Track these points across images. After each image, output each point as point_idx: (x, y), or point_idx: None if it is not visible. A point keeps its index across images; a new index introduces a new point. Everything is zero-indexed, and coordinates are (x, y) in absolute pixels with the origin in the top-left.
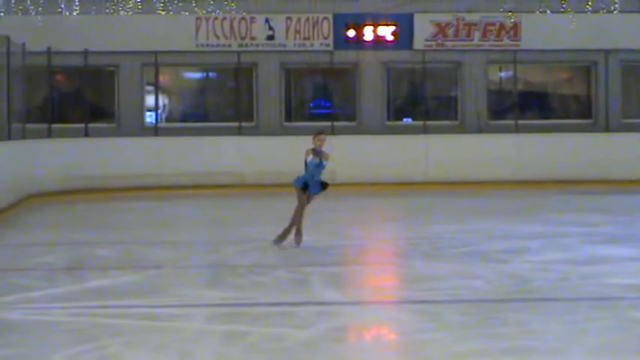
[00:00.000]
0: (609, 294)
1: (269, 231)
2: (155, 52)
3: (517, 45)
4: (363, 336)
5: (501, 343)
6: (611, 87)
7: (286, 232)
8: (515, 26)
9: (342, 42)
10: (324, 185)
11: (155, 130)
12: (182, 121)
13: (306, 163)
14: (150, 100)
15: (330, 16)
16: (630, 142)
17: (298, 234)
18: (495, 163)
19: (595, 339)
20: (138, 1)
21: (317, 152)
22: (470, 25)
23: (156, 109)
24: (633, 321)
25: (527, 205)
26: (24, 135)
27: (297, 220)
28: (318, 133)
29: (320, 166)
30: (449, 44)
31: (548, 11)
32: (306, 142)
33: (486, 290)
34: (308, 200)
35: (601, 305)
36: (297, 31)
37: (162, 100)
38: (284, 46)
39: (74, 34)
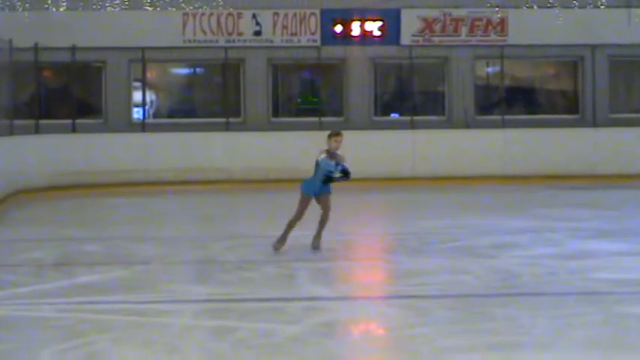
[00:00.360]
0: (597, 289)
1: (257, 227)
2: (142, 48)
3: (504, 40)
4: (351, 331)
5: (489, 338)
6: (598, 82)
7: (284, 239)
8: (502, 21)
9: (329, 37)
10: (346, 173)
11: (142, 126)
12: (169, 117)
13: (317, 164)
14: (137, 96)
15: (318, 12)
16: (617, 137)
17: (282, 241)
18: (482, 158)
19: (582, 334)
20: None
21: (332, 154)
22: (457, 21)
23: (143, 105)
24: (620, 316)
25: (514, 200)
26: (11, 131)
27: (291, 226)
28: (335, 134)
29: (336, 169)
30: (436, 40)
31: (535, 6)
32: (294, 138)
33: (474, 285)
34: (321, 203)
35: (588, 300)
36: (284, 27)
37: (150, 96)
38: (271, 41)
39: (61, 30)
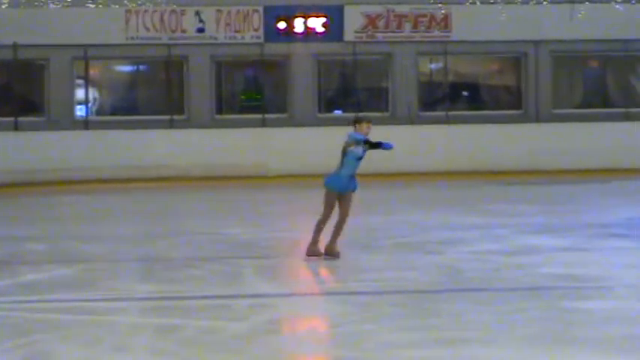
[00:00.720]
0: (541, 284)
1: (202, 224)
2: (85, 46)
3: (448, 36)
4: (297, 328)
5: (435, 334)
6: (541, 78)
7: (316, 242)
8: (446, 18)
9: (272, 34)
10: (376, 144)
11: (85, 124)
12: (113, 114)
13: (344, 154)
14: (80, 93)
15: (261, 9)
16: (560, 132)
17: (315, 244)
18: (426, 154)
19: (527, 329)
20: None
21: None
22: (400, 17)
23: (86, 102)
24: (565, 310)
25: (460, 196)
26: None
27: (320, 228)
28: (367, 120)
29: (362, 157)
30: (379, 36)
31: (479, 2)
32: (238, 135)
33: (420, 281)
34: (343, 202)
35: (533, 295)
36: (227, 24)
37: (93, 93)
38: (215, 38)
39: (3, 27)
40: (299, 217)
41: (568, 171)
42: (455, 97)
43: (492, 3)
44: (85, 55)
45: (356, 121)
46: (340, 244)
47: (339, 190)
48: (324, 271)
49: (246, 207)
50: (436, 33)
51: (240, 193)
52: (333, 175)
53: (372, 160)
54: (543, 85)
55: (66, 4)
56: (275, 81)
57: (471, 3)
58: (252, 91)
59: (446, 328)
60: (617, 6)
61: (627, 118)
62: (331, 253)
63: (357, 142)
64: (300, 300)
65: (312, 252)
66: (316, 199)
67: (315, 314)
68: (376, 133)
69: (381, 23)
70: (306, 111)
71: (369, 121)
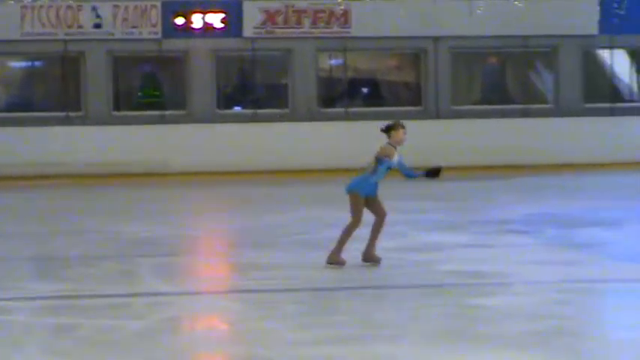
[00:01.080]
0: (443, 281)
1: (100, 222)
2: None
3: (347, 32)
4: (196, 326)
5: (336, 332)
6: (440, 74)
7: (341, 249)
8: (346, 13)
9: (170, 30)
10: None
11: None
12: (8, 111)
13: (379, 161)
14: None
15: (159, 4)
16: (460, 128)
17: (340, 252)
18: (326, 151)
19: (428, 326)
20: None
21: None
22: (299, 13)
23: None
24: (466, 307)
25: None
26: None
27: (349, 234)
28: (402, 126)
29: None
30: (278, 32)
31: None
32: (136, 132)
33: (321, 279)
34: (374, 205)
35: (434, 292)
36: (124, 19)
37: None
38: (112, 34)
39: None
40: (198, 215)
41: (467, 167)
42: (355, 93)
43: None
44: None
45: (391, 129)
46: (238, 243)
47: (367, 195)
48: (223, 269)
49: (146, 205)
50: (336, 29)
51: (140, 191)
52: (360, 181)
53: (273, 156)
54: (443, 82)
55: None
56: (173, 77)
57: None
58: (150, 88)
59: (348, 326)
60: (515, 2)
61: (526, 114)
62: (373, 259)
63: (380, 168)
64: (199, 298)
65: (337, 260)
66: (214, 196)
67: (215, 312)
68: (275, 130)
69: (279, 19)
70: (206, 107)
71: (403, 125)
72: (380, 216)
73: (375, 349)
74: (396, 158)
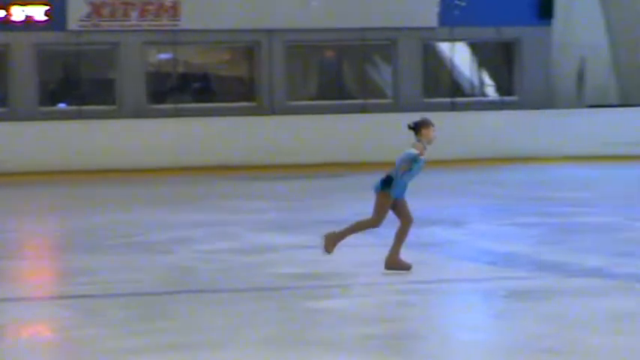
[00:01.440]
0: (276, 284)
1: None
2: None
3: (177, 25)
4: (21, 334)
5: (165, 338)
6: (274, 68)
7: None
8: (175, 6)
9: None
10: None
11: None
12: None
13: (414, 159)
14: None
15: None
16: (295, 125)
17: (338, 238)
18: (155, 149)
19: (261, 330)
20: None
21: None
22: (127, 5)
23: None
24: (302, 311)
25: (190, 192)
26: None
27: (361, 229)
28: (431, 123)
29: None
30: (105, 25)
31: None
32: None
33: (149, 283)
34: (401, 207)
35: (269, 295)
36: None
37: None
38: None
39: None
40: (19, 217)
41: (304, 165)
42: (185, 88)
43: None
44: None
45: (421, 126)
46: (64, 245)
47: (398, 197)
48: (46, 274)
49: None
50: (165, 22)
51: None
52: (388, 179)
53: (98, 155)
54: (277, 77)
55: None
56: None
57: None
58: None
59: (178, 332)
60: None
61: (365, 110)
62: (402, 266)
63: (416, 165)
64: (20, 305)
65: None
66: (37, 197)
67: (40, 319)
68: (100, 127)
69: (106, 11)
70: (27, 104)
71: (431, 123)
72: (408, 220)
73: (207, 355)
74: (422, 159)
